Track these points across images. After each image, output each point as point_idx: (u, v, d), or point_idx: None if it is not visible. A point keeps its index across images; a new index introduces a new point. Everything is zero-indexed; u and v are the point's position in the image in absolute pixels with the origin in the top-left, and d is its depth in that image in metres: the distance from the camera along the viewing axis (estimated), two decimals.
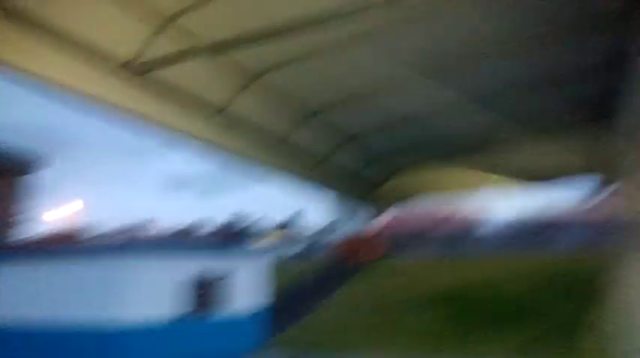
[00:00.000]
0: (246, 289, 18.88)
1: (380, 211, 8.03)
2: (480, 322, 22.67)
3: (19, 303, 15.55)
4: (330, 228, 57.43)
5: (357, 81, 3.99)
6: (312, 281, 30.18)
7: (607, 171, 5.63)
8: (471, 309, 23.91)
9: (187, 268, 16.27)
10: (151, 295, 14.77)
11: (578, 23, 3.55)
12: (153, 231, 62.43)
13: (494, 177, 6.37)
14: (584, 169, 6.17)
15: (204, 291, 16.89)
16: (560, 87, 4.79)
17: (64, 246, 33.31)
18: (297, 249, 47.57)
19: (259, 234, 68.88)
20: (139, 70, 2.80)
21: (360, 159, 5.45)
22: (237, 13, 2.76)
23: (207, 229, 69.62)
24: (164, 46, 2.75)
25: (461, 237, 38.90)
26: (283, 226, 79.29)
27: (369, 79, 3.96)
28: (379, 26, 3.05)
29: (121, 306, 14.00)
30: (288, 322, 23.22)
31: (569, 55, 4.18)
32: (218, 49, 2.82)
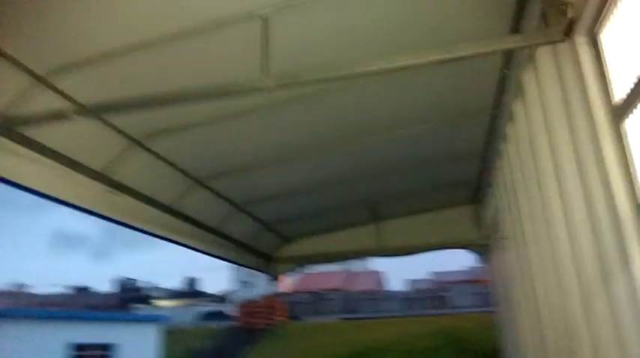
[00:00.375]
0: None
1: (277, 277, 8.00)
2: None
3: None
4: (231, 293, 55.50)
5: (244, 153, 4.15)
6: (212, 347, 28.56)
7: (487, 244, 6.26)
8: None
9: (70, 335, 14.69)
10: None
11: (459, 111, 4.04)
12: (34, 293, 56.21)
13: (384, 245, 6.69)
14: (469, 241, 6.76)
15: None
16: (443, 167, 5.31)
17: None
18: (196, 314, 45.07)
19: (155, 298, 64.46)
20: (5, 126, 2.64)
21: (251, 228, 5.56)
22: (121, 78, 2.78)
23: (98, 292, 64.05)
24: (40, 103, 2.64)
25: (361, 299, 39.55)
26: (182, 290, 74.99)
27: (257, 152, 4.15)
28: (268, 102, 3.24)
29: None
30: None
31: (452, 137, 4.68)
32: (98, 111, 2.78)
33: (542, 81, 2.85)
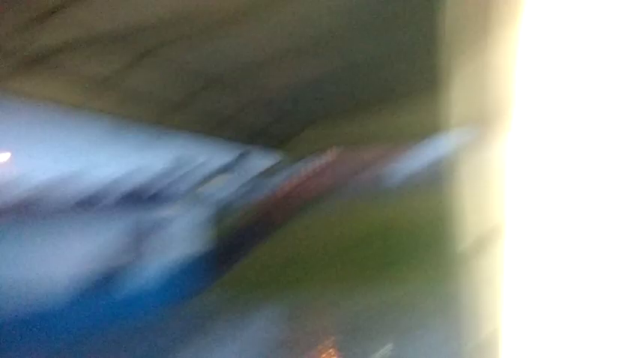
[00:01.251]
0: (186, 235, 18.84)
1: (299, 161, 8.90)
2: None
3: None
4: (271, 171, 58.09)
5: (249, 53, 4.73)
6: (251, 224, 31.34)
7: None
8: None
9: (123, 220, 15.95)
10: (86, 250, 14.36)
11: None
12: (84, 183, 60.56)
13: (395, 131, 7.18)
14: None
15: (142, 242, 16.99)
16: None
17: None
18: (238, 192, 48.11)
19: (200, 179, 68.42)
20: (28, 58, 3.43)
21: (265, 117, 6.19)
22: (115, 9, 3.54)
23: (145, 178, 68.48)
24: (56, 35, 3.40)
25: (387, 177, 40.73)
26: (224, 170, 78.73)
27: (263, 50, 4.70)
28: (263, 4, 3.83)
29: (58, 263, 13.26)
30: (231, 265, 24.29)
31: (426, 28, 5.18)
32: (103, 37, 3.53)
33: None
